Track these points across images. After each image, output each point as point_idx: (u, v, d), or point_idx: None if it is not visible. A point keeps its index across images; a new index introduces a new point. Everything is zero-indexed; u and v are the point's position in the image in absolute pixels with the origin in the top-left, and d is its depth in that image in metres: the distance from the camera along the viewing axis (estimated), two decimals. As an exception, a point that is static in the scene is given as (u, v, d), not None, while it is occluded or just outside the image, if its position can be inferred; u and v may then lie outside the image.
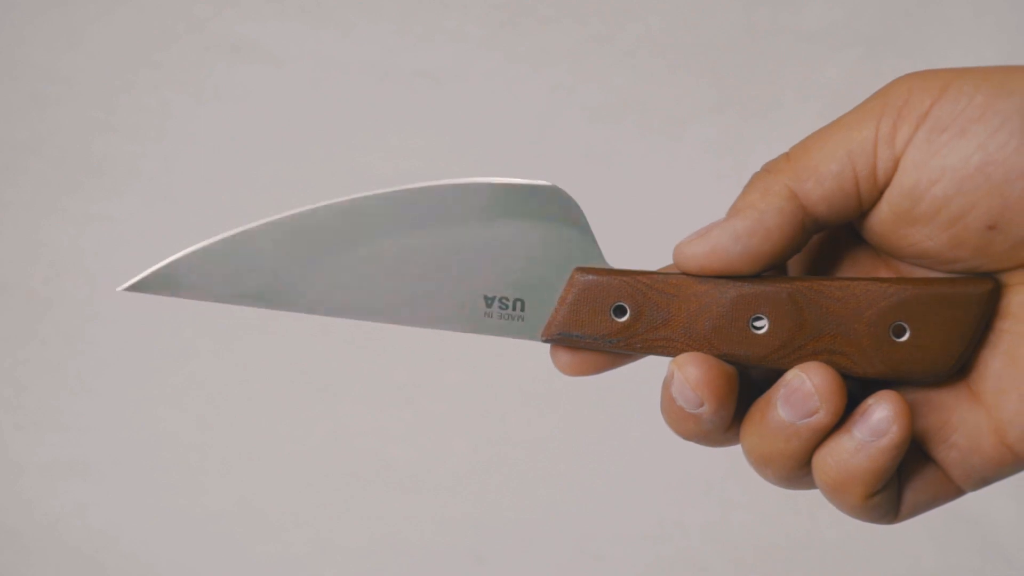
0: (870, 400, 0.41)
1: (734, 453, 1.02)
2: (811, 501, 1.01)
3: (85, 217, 1.05)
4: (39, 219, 1.05)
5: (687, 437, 0.44)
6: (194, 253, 0.43)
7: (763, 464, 0.43)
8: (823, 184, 0.40)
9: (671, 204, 1.02)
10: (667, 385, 0.43)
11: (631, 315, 0.43)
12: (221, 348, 1.04)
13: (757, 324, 0.42)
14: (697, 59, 1.05)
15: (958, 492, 0.44)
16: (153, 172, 1.06)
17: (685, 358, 0.42)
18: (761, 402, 0.42)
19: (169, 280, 0.42)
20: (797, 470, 0.42)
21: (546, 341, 0.44)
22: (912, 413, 0.41)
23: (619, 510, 1.01)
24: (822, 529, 1.00)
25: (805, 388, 0.41)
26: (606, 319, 0.43)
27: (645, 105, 1.04)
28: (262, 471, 1.03)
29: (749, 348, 0.42)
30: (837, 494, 0.41)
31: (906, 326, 0.41)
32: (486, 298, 0.43)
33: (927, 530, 1.01)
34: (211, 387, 1.04)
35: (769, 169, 0.42)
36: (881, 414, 0.40)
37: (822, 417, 0.41)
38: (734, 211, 0.41)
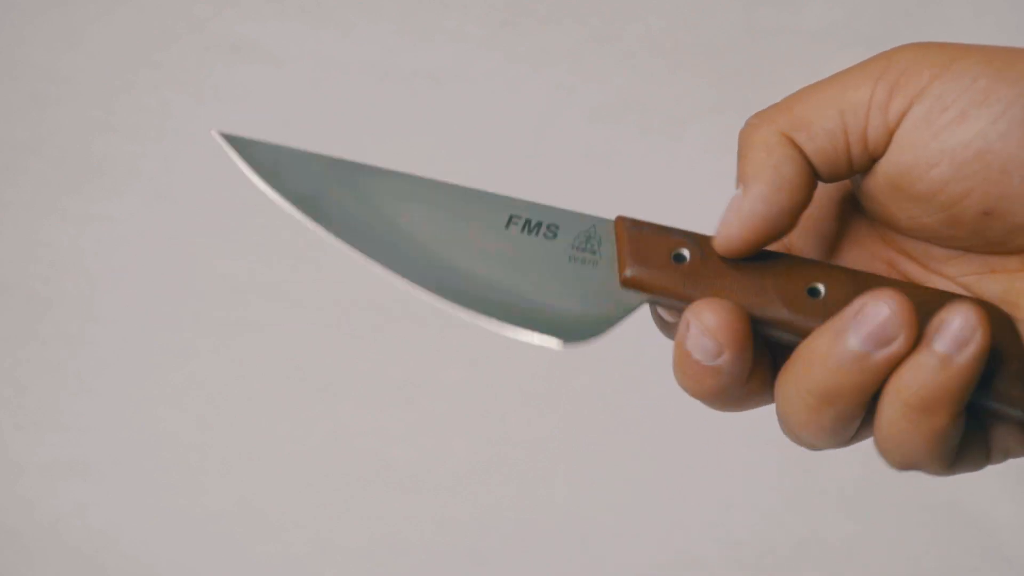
0: (942, 313, 0.39)
1: (735, 454, 1.01)
2: (811, 501, 1.01)
3: (85, 217, 1.05)
4: (39, 219, 1.05)
5: (703, 396, 0.42)
6: (291, 151, 0.45)
7: (826, 403, 0.40)
8: (814, 139, 0.40)
9: (671, 204, 1.02)
10: (681, 340, 0.41)
11: (691, 259, 0.42)
12: (221, 348, 1.04)
13: (813, 294, 0.41)
14: (697, 59, 1.05)
15: (987, 459, 0.43)
16: (153, 172, 1.06)
17: (700, 305, 0.41)
18: (825, 336, 0.40)
19: (254, 152, 0.46)
20: (860, 408, 0.40)
21: (625, 286, 0.43)
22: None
23: (619, 510, 1.01)
24: (822, 529, 1.00)
25: (882, 315, 0.39)
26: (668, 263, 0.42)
27: (645, 105, 1.04)
28: (262, 471, 1.03)
29: (805, 314, 0.41)
30: (924, 416, 0.39)
31: None
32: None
33: (927, 530, 1.00)
34: (211, 387, 1.04)
35: (759, 121, 0.41)
36: (960, 323, 0.38)
37: (901, 344, 0.39)
38: (748, 177, 0.40)
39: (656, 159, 1.04)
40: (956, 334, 0.39)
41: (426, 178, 0.44)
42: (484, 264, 0.43)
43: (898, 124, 0.39)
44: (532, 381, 1.03)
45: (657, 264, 0.42)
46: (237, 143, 0.45)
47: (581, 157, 1.04)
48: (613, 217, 0.43)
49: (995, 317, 0.41)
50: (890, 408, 0.40)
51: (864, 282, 0.41)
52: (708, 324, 0.40)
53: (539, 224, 0.43)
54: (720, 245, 0.41)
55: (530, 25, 1.05)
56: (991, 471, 1.04)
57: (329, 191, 0.44)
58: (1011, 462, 0.99)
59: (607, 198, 1.02)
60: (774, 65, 1.04)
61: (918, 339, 0.39)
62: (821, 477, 1.01)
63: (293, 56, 1.06)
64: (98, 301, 1.05)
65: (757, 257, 0.41)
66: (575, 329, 0.42)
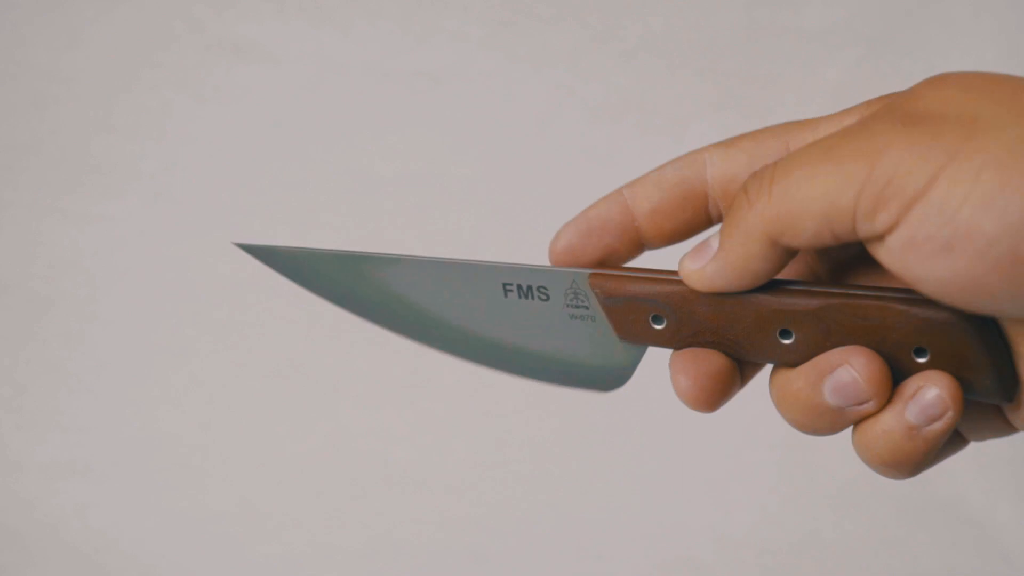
0: (919, 381, 0.40)
1: (735, 455, 1.01)
2: (811, 501, 1.01)
3: (85, 217, 1.05)
4: (39, 219, 1.05)
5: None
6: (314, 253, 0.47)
7: (802, 428, 0.43)
8: (799, 237, 0.40)
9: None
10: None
11: (668, 324, 0.44)
12: (221, 348, 1.04)
13: (785, 336, 0.42)
14: (697, 59, 1.05)
15: (963, 442, 0.44)
16: (153, 172, 1.06)
17: (677, 364, 0.43)
18: (803, 381, 0.42)
19: (276, 258, 0.48)
20: (836, 432, 0.42)
21: (624, 341, 0.45)
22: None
23: (619, 510, 1.01)
24: (822, 529, 1.00)
25: (854, 380, 0.41)
26: (647, 326, 0.44)
27: (645, 105, 1.04)
28: (262, 471, 1.03)
29: (778, 357, 0.43)
30: (887, 470, 0.41)
31: (927, 349, 0.41)
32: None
33: (927, 530, 1.01)
34: (211, 387, 1.04)
35: (752, 199, 0.40)
36: (934, 397, 0.40)
37: (871, 407, 0.41)
38: (721, 250, 0.41)
39: (656, 159, 1.04)
40: (928, 409, 0.40)
41: (424, 258, 0.46)
42: (512, 334, 0.46)
43: (886, 233, 0.38)
44: (533, 382, 1.03)
45: (641, 329, 0.44)
46: (258, 252, 0.48)
47: (581, 157, 1.04)
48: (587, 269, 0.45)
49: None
50: (858, 451, 0.42)
51: (834, 319, 0.41)
52: (680, 386, 0.43)
53: (530, 288, 0.45)
54: (682, 273, 0.43)
55: (530, 25, 1.05)
56: (991, 471, 1.05)
57: (353, 289, 0.47)
58: (1012, 464, 0.99)
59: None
60: (774, 65, 1.04)
61: (891, 396, 0.41)
62: (821, 477, 1.01)
63: (293, 56, 1.06)
64: (98, 301, 1.05)
65: (727, 304, 0.43)
66: (608, 377, 0.46)
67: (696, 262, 0.42)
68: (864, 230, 0.38)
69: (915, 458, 0.41)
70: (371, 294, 0.47)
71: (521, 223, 1.02)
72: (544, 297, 0.45)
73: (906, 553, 1.00)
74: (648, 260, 0.47)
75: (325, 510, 1.02)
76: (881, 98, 0.42)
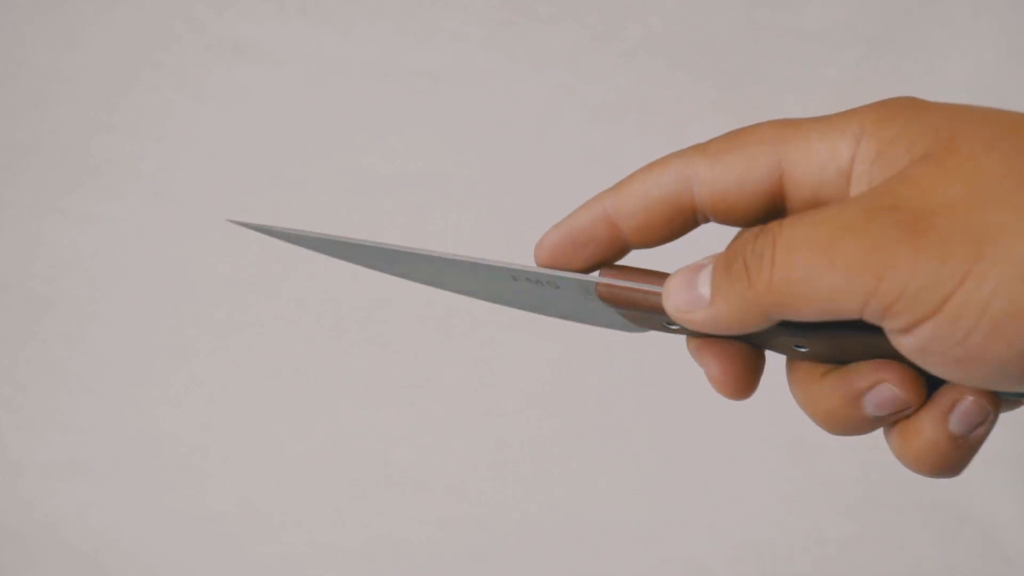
0: (954, 393, 0.41)
1: (736, 455, 1.01)
2: (811, 501, 1.01)
3: (85, 217, 1.05)
4: (39, 219, 1.05)
5: None
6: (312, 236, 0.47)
7: (832, 433, 0.43)
8: (799, 318, 0.39)
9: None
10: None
11: (681, 329, 0.44)
12: (221, 348, 1.04)
13: (800, 347, 0.42)
14: (697, 59, 1.05)
15: None
16: (153, 172, 1.06)
17: (704, 351, 0.43)
18: (838, 401, 0.42)
19: (274, 234, 0.48)
20: (869, 433, 0.43)
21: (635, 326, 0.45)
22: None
23: (619, 510, 1.01)
24: (822, 529, 1.00)
25: (895, 395, 0.41)
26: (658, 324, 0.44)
27: (645, 105, 1.04)
28: (262, 471, 1.03)
29: (795, 357, 0.43)
30: (937, 476, 0.42)
31: None
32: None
33: (927, 530, 1.01)
34: (211, 387, 1.04)
35: (753, 278, 0.39)
36: (973, 404, 0.40)
37: (911, 412, 0.41)
38: (714, 304, 0.40)
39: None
40: (970, 417, 0.41)
41: (423, 254, 0.46)
42: (530, 302, 0.47)
43: (895, 334, 0.38)
44: (533, 382, 1.03)
45: (655, 327, 0.44)
46: (262, 230, 0.48)
47: (581, 157, 1.04)
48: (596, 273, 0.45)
49: None
50: (905, 463, 0.42)
51: (847, 346, 0.41)
52: (711, 372, 0.43)
53: (539, 280, 0.45)
54: (672, 312, 0.42)
55: (530, 25, 1.05)
56: (991, 471, 1.05)
57: (365, 262, 0.48)
58: (1011, 464, 0.99)
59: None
60: (774, 65, 1.04)
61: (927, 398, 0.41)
62: (821, 477, 1.01)
63: (293, 56, 1.06)
64: (98, 301, 1.05)
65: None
66: (633, 328, 0.46)
67: (685, 303, 0.41)
68: (873, 319, 0.38)
69: (964, 461, 0.41)
70: (382, 265, 0.48)
71: (521, 223, 1.02)
72: (555, 287, 0.45)
73: (906, 553, 1.00)
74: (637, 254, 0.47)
75: (325, 510, 1.02)
76: (882, 107, 0.40)
